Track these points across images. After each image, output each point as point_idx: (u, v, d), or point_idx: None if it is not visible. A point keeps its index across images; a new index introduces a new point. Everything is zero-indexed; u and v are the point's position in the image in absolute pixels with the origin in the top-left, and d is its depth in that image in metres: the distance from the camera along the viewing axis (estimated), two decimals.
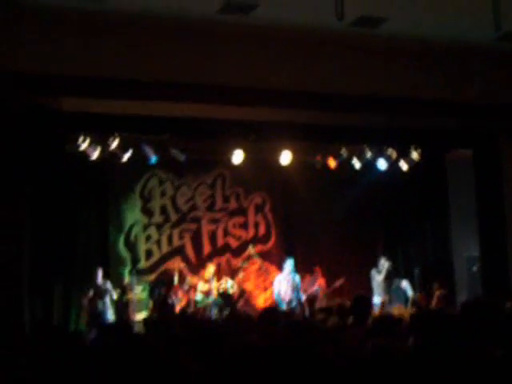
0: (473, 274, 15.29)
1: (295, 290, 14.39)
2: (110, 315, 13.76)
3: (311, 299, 14.03)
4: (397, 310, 12.42)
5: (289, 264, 14.57)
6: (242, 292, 14.69)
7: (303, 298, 14.44)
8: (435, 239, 16.19)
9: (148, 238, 15.43)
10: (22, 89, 10.35)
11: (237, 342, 4.84)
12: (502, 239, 13.75)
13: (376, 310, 13.30)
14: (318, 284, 14.81)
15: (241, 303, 14.68)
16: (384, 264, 14.79)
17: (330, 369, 4.29)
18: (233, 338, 5.39)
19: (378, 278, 14.70)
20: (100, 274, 13.86)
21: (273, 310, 8.36)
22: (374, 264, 15.00)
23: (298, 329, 5.44)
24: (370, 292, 14.70)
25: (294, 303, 14.29)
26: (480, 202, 14.29)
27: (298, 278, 14.56)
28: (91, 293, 13.66)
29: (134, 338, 6.26)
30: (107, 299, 13.78)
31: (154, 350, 5.10)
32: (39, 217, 11.13)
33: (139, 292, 14.68)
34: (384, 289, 14.62)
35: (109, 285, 13.91)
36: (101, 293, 13.70)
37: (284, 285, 14.50)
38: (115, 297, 13.94)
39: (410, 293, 14.46)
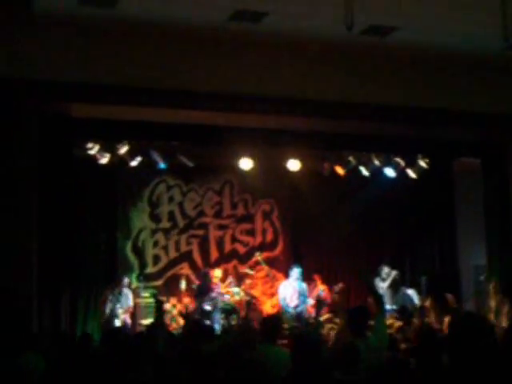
0: (480, 282, 15.26)
1: (301, 295, 14.38)
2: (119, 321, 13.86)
3: (318, 302, 13.98)
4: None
5: (296, 272, 14.57)
6: (249, 302, 14.68)
7: (310, 302, 14.43)
8: (442, 248, 16.18)
9: (156, 244, 15.48)
10: (32, 95, 10.39)
11: None
12: (509, 248, 13.73)
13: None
14: (317, 291, 14.77)
15: (245, 312, 14.65)
16: (388, 273, 14.79)
17: None
18: None
19: (382, 286, 14.69)
20: (126, 282, 14.16)
21: (276, 316, 8.39)
22: (377, 273, 14.97)
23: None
24: None
25: (301, 308, 14.29)
26: (487, 211, 14.29)
27: (304, 284, 14.56)
28: (110, 297, 13.82)
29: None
30: (124, 306, 13.96)
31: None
32: (47, 222, 11.15)
33: (147, 297, 14.73)
34: (389, 296, 14.61)
35: (129, 294, 14.15)
36: (121, 299, 13.90)
37: (290, 291, 14.50)
38: (125, 306, 14.05)
39: (416, 301, 14.44)
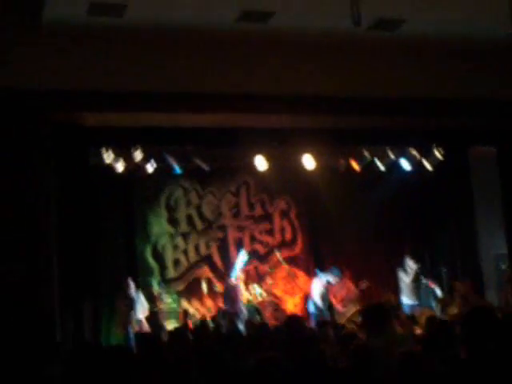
0: (501, 271, 15.20)
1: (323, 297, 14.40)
2: (143, 325, 13.83)
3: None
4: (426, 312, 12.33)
5: (330, 277, 14.56)
6: (273, 303, 14.74)
7: (333, 302, 14.45)
8: (462, 238, 16.08)
9: (175, 248, 15.52)
10: (44, 106, 10.44)
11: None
12: None
13: (406, 311, 13.30)
14: (347, 287, 14.80)
15: (270, 311, 14.67)
16: (411, 265, 14.74)
17: None
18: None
19: (405, 279, 14.66)
20: (131, 284, 13.96)
21: (298, 317, 8.37)
22: (401, 265, 14.95)
23: None
24: (398, 293, 14.70)
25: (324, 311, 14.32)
26: (506, 199, 14.21)
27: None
28: (125, 303, 13.80)
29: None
30: (139, 309, 13.87)
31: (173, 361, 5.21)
32: (66, 232, 11.20)
33: (169, 301, 14.76)
34: (413, 290, 14.59)
35: (141, 295, 14.03)
36: (132, 303, 13.80)
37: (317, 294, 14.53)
38: (146, 306, 14.03)
39: (438, 293, 14.41)
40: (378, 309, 7.39)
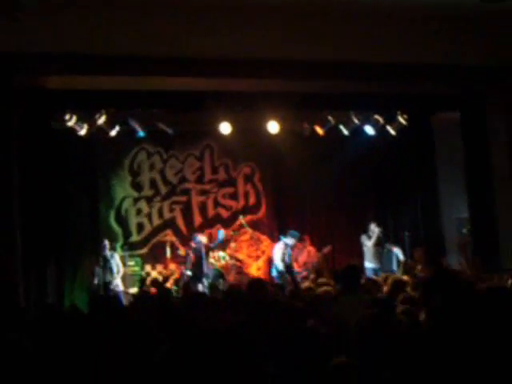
0: (462, 235, 15.37)
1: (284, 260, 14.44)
2: (116, 285, 13.83)
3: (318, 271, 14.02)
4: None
5: (288, 240, 14.56)
6: (236, 267, 14.79)
7: (294, 266, 14.51)
8: (424, 203, 16.24)
9: (139, 212, 15.48)
10: (6, 69, 10.28)
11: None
12: (490, 200, 13.81)
13: (369, 275, 13.40)
14: (308, 251, 14.90)
15: (233, 274, 14.74)
16: (374, 230, 14.82)
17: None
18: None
19: (368, 244, 14.76)
20: (107, 245, 13.96)
21: (260, 281, 8.43)
22: (364, 230, 15.05)
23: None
24: (361, 258, 14.81)
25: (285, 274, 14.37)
26: (468, 164, 14.35)
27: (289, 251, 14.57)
28: (96, 269, 13.79)
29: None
30: (114, 270, 13.87)
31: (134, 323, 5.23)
32: (29, 195, 11.11)
33: (132, 265, 14.76)
34: (375, 254, 14.70)
35: (115, 256, 14.03)
36: (106, 264, 13.79)
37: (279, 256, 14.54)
38: (121, 266, 14.01)
39: (401, 258, 14.54)
40: (353, 269, 7.57)
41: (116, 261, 14.03)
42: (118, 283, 13.87)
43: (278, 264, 14.35)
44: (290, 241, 14.52)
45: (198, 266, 14.11)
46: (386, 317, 4.43)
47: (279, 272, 14.34)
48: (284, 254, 14.45)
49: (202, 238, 14.57)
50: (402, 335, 4.55)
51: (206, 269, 14.12)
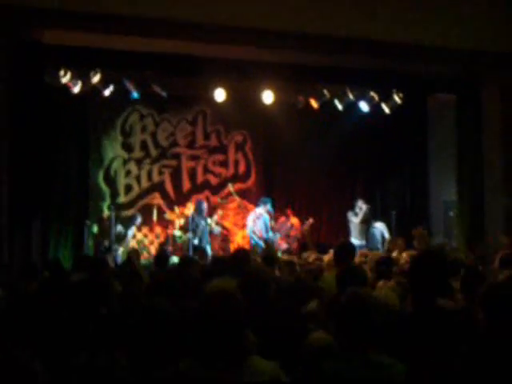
0: (449, 218, 15.42)
1: (265, 229, 14.40)
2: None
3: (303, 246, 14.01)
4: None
5: (266, 205, 14.52)
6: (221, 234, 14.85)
7: (277, 237, 14.48)
8: (413, 183, 16.28)
9: (128, 173, 15.43)
10: (3, 20, 10.18)
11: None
12: (479, 185, 13.86)
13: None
14: (291, 225, 14.88)
15: (218, 241, 14.77)
16: (361, 206, 14.84)
17: None
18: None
19: (354, 221, 14.78)
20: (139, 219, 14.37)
21: (244, 250, 8.44)
22: (351, 206, 15.07)
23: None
24: (347, 234, 14.85)
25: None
26: (460, 148, 14.36)
27: (267, 218, 14.51)
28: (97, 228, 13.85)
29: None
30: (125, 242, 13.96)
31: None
32: (18, 150, 11.02)
33: (118, 227, 14.74)
34: (360, 231, 14.73)
35: (130, 232, 14.20)
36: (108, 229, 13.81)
37: (258, 224, 14.48)
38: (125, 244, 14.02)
39: (386, 236, 14.57)
40: (349, 245, 7.67)
41: (130, 236, 14.12)
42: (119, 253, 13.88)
43: (251, 235, 14.33)
44: (261, 209, 14.47)
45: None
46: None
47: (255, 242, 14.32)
48: (255, 222, 14.36)
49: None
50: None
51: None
